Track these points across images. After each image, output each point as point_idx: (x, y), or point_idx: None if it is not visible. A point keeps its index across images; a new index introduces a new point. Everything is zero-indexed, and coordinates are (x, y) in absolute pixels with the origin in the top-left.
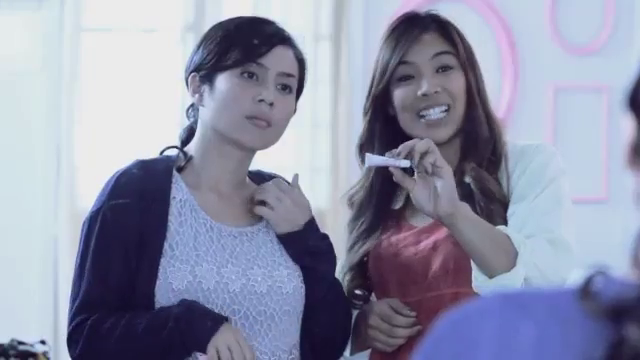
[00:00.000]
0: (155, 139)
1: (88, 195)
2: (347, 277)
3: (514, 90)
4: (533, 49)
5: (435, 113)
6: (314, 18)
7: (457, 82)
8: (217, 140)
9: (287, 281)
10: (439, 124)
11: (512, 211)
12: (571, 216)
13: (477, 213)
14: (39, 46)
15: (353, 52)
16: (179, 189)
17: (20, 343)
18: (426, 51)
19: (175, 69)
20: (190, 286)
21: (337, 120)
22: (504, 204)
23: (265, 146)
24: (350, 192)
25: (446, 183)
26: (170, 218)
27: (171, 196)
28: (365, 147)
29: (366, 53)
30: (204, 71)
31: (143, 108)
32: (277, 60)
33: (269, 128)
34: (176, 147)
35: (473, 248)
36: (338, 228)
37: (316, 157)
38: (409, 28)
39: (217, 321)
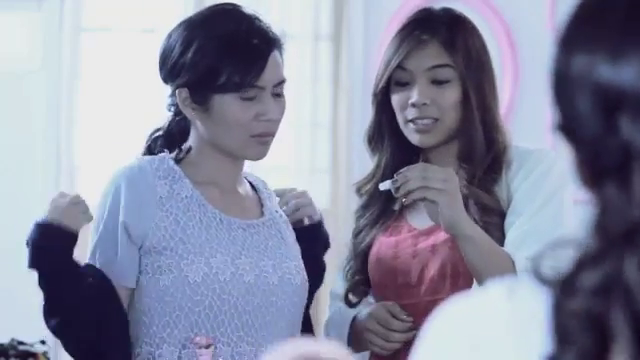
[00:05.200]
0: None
1: (88, 195)
2: (350, 266)
3: (514, 90)
4: (533, 49)
5: (422, 123)
6: (314, 18)
7: (450, 96)
8: (214, 149)
9: (295, 273)
10: (426, 131)
11: (511, 221)
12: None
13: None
14: (39, 46)
15: (353, 52)
16: (183, 186)
17: (20, 343)
18: (424, 61)
19: None
20: (207, 277)
21: (337, 120)
22: (501, 214)
23: (265, 156)
24: (360, 182)
25: (443, 211)
26: (178, 213)
27: (175, 192)
28: (374, 138)
29: (366, 53)
30: (195, 89)
31: (143, 108)
32: (271, 73)
33: (272, 138)
34: (165, 138)
35: (473, 268)
36: (338, 228)
37: (316, 157)
38: (414, 31)
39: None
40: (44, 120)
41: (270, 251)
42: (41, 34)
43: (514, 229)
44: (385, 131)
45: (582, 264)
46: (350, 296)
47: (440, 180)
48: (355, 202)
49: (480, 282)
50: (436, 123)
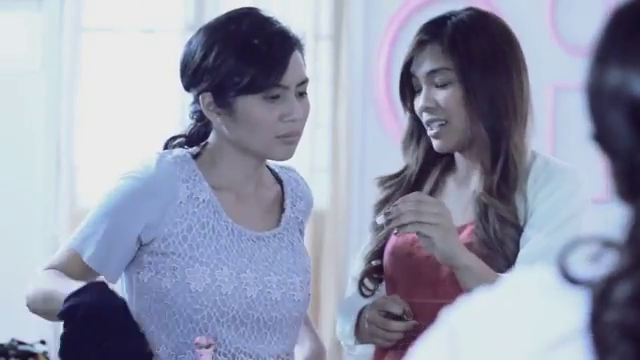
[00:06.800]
0: (155, 139)
1: (88, 195)
2: (368, 251)
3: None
4: (533, 49)
5: (435, 127)
6: (314, 18)
7: (450, 97)
8: (236, 150)
9: (299, 289)
10: (438, 136)
11: (528, 236)
12: None
13: (490, 235)
14: (39, 46)
15: (353, 52)
16: (202, 189)
17: (20, 343)
18: (424, 66)
19: (175, 69)
20: (209, 288)
21: (337, 120)
22: (517, 227)
23: (292, 155)
24: (384, 177)
25: (437, 245)
26: (193, 219)
27: (194, 196)
28: (406, 142)
29: (366, 53)
30: (219, 93)
31: (143, 108)
32: (294, 73)
33: (298, 137)
34: (184, 139)
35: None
36: (338, 228)
37: (316, 157)
38: (419, 35)
39: None
40: (44, 120)
41: (277, 265)
42: (41, 34)
43: (529, 246)
44: (415, 135)
45: (616, 276)
46: (365, 281)
47: (433, 214)
48: (355, 201)
49: None
50: (446, 126)
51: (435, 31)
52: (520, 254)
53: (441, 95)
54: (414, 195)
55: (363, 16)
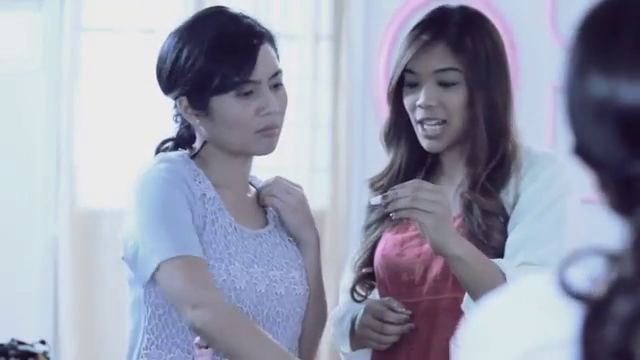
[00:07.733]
0: (155, 139)
1: (88, 195)
2: (359, 258)
3: (514, 90)
4: (533, 49)
5: (431, 127)
6: (314, 18)
7: (456, 98)
8: (222, 151)
9: (299, 283)
10: (434, 137)
11: (516, 222)
12: (563, 238)
13: (475, 228)
14: (39, 46)
15: (353, 52)
16: (207, 187)
17: (20, 343)
18: (430, 64)
19: None
20: (224, 284)
21: (337, 120)
22: (505, 216)
23: (274, 149)
24: (374, 178)
25: (429, 232)
26: (206, 215)
27: (202, 194)
28: (389, 136)
29: (366, 53)
30: (193, 96)
31: (143, 108)
32: (264, 66)
33: (277, 130)
34: (176, 143)
35: (465, 285)
36: (338, 228)
37: (316, 157)
38: (423, 32)
39: None
40: (44, 120)
41: (276, 261)
42: (41, 34)
43: (514, 233)
44: (400, 130)
45: (616, 290)
46: (357, 288)
47: (429, 202)
48: (355, 201)
49: (472, 296)
50: (444, 126)
51: (439, 29)
52: (507, 241)
53: (447, 95)
54: (414, 181)
55: (363, 16)
